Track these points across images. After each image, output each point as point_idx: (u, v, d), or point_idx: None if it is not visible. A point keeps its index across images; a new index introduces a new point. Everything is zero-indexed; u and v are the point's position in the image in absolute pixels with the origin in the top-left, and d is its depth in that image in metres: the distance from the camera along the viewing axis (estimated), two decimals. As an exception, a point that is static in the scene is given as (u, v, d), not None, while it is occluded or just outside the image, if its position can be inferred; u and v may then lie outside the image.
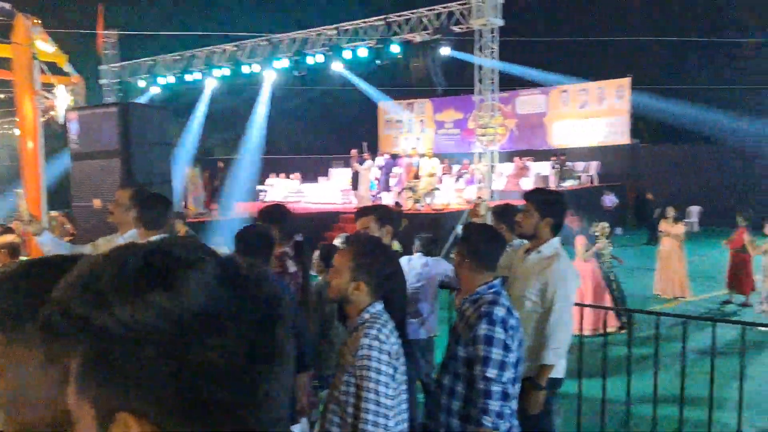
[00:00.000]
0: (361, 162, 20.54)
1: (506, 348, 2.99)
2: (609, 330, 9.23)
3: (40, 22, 7.59)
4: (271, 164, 27.76)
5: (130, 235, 4.38)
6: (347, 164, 22.80)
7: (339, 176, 24.38)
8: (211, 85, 23.22)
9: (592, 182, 24.41)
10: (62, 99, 8.00)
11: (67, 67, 8.72)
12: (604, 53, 27.19)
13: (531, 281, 3.96)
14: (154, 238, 3.84)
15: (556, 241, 4.07)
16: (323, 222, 18.50)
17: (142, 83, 23.73)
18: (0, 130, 23.15)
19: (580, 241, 9.78)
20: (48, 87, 8.05)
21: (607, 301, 9.62)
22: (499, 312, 3.05)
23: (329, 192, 23.68)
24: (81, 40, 21.37)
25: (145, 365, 0.68)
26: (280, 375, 0.75)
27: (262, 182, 26.15)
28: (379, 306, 2.87)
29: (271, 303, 0.76)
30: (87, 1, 22.40)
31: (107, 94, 24.61)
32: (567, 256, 4.09)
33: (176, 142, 28.38)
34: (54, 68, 8.28)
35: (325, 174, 25.85)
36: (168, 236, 0.84)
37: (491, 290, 3.18)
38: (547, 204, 4.07)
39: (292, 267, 4.30)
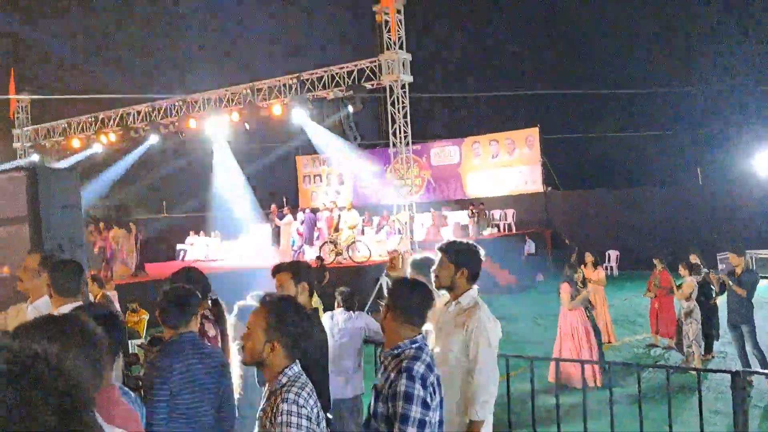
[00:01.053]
0: (281, 217, 20.50)
1: (425, 406, 2.92)
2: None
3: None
4: (191, 222, 27.31)
5: (41, 302, 4.27)
6: (267, 220, 22.67)
7: (260, 232, 24.18)
8: (126, 144, 22.86)
9: (510, 230, 24.94)
10: (-33, 165, 7.75)
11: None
12: (512, 105, 28.26)
13: (453, 334, 3.87)
14: (67, 306, 3.78)
15: (474, 292, 4.00)
16: (245, 280, 18.23)
17: (56, 145, 23.26)
18: None
19: (565, 290, 9.51)
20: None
21: (595, 349, 9.29)
22: (419, 368, 2.97)
23: (250, 249, 23.41)
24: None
25: None
26: None
27: (181, 241, 25.67)
28: (296, 368, 2.77)
29: (70, 392, 0.71)
30: None
31: (21, 157, 23.93)
32: (486, 305, 4.02)
33: (96, 204, 27.72)
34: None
35: (246, 231, 25.58)
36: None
37: (413, 345, 3.10)
38: (461, 254, 4.00)
39: (211, 330, 4.21)
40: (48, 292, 4.10)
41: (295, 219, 21.53)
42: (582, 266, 12.06)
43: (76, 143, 22.59)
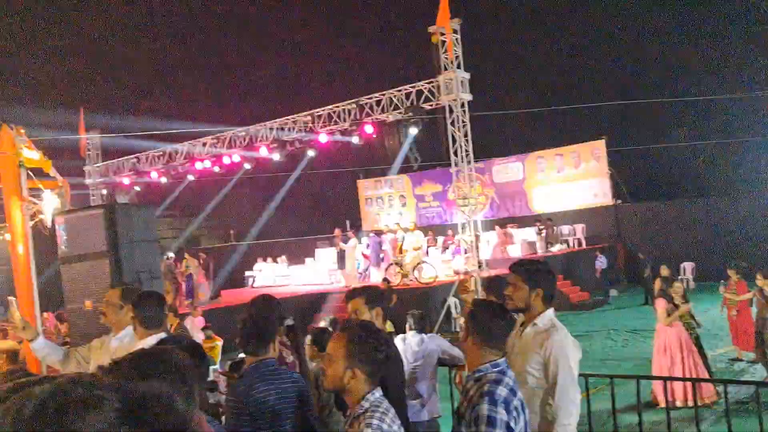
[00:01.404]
0: (346, 240, 20.70)
1: (509, 430, 2.89)
2: (706, 401, 8.63)
3: (24, 131, 7.78)
4: (258, 249, 27.88)
5: (124, 334, 4.40)
6: (332, 244, 22.94)
7: (325, 256, 24.48)
8: (195, 177, 23.58)
9: (580, 245, 24.31)
10: (49, 203, 8.10)
11: (52, 172, 8.87)
12: (576, 117, 27.76)
13: (530, 356, 3.77)
14: (152, 337, 3.89)
15: (550, 313, 3.87)
16: (313, 303, 18.53)
17: (126, 181, 24.12)
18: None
19: (660, 305, 9.33)
20: (35, 192, 8.18)
21: (700, 367, 9.05)
22: (501, 392, 2.95)
23: (316, 273, 23.72)
24: (64, 143, 21.91)
25: None
26: None
27: (250, 268, 26.20)
28: (377, 393, 2.77)
29: (180, 428, 0.76)
30: (68, 105, 23.00)
31: (93, 193, 24.83)
32: (564, 326, 3.89)
33: (167, 235, 28.71)
34: (39, 173, 8.42)
35: (312, 255, 25.94)
36: (68, 376, 0.81)
37: (495, 369, 3.09)
38: (535, 275, 3.88)
39: (289, 356, 4.26)
40: (132, 324, 4.22)
41: (360, 242, 21.70)
42: (657, 279, 11.79)
43: (145, 177, 23.41)
